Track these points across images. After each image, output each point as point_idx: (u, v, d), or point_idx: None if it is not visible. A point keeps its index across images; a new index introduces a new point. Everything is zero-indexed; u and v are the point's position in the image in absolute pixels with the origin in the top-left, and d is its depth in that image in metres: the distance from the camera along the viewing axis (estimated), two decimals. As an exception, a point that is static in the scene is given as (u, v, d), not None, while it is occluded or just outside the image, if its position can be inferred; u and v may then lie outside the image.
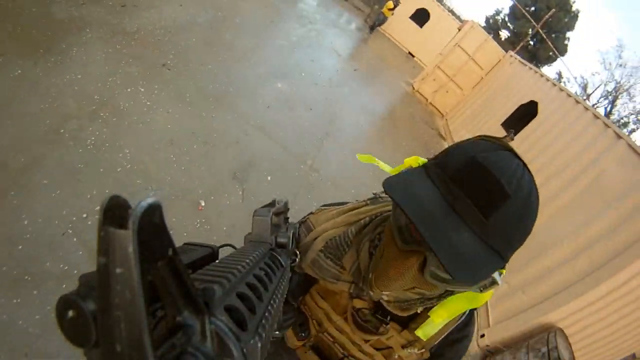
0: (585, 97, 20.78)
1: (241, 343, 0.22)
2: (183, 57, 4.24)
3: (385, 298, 0.64)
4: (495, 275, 0.54)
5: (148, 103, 3.35)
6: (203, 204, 2.84)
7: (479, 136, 0.56)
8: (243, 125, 3.94)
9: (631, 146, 3.73)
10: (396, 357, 0.72)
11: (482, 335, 3.68)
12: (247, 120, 4.04)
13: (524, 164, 0.52)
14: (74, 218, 2.29)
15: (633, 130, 20.68)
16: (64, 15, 3.58)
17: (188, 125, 3.44)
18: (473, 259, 0.46)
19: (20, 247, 2.05)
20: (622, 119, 20.87)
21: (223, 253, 0.38)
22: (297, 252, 0.66)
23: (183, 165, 3.05)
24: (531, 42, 20.81)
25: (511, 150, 0.52)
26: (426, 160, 0.59)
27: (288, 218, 0.63)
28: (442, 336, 0.70)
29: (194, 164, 3.13)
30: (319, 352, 0.83)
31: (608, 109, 21.20)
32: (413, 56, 13.90)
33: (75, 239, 2.20)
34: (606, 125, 4.23)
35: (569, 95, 5.41)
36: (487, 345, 3.62)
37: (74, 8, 3.75)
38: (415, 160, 0.61)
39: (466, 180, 0.48)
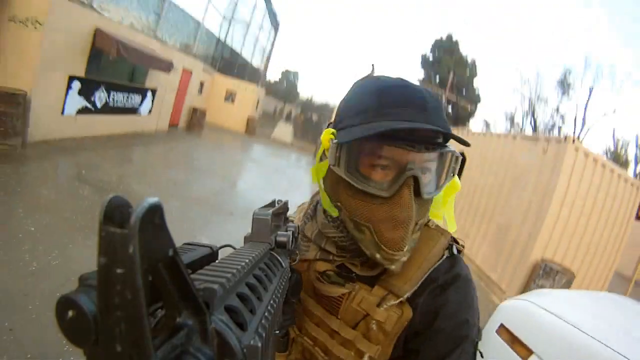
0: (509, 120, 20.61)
1: (241, 343, 0.20)
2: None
3: (404, 258, 0.52)
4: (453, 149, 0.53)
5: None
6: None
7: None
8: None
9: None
10: (374, 326, 0.55)
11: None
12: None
13: None
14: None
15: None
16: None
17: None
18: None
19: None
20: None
21: (222, 253, 0.34)
22: (297, 252, 0.55)
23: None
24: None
25: None
26: (333, 129, 0.54)
27: (287, 218, 0.54)
28: (419, 282, 0.55)
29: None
30: None
31: (532, 124, 19.98)
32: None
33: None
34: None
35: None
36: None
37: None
38: (328, 133, 0.54)
39: (392, 97, 0.50)
